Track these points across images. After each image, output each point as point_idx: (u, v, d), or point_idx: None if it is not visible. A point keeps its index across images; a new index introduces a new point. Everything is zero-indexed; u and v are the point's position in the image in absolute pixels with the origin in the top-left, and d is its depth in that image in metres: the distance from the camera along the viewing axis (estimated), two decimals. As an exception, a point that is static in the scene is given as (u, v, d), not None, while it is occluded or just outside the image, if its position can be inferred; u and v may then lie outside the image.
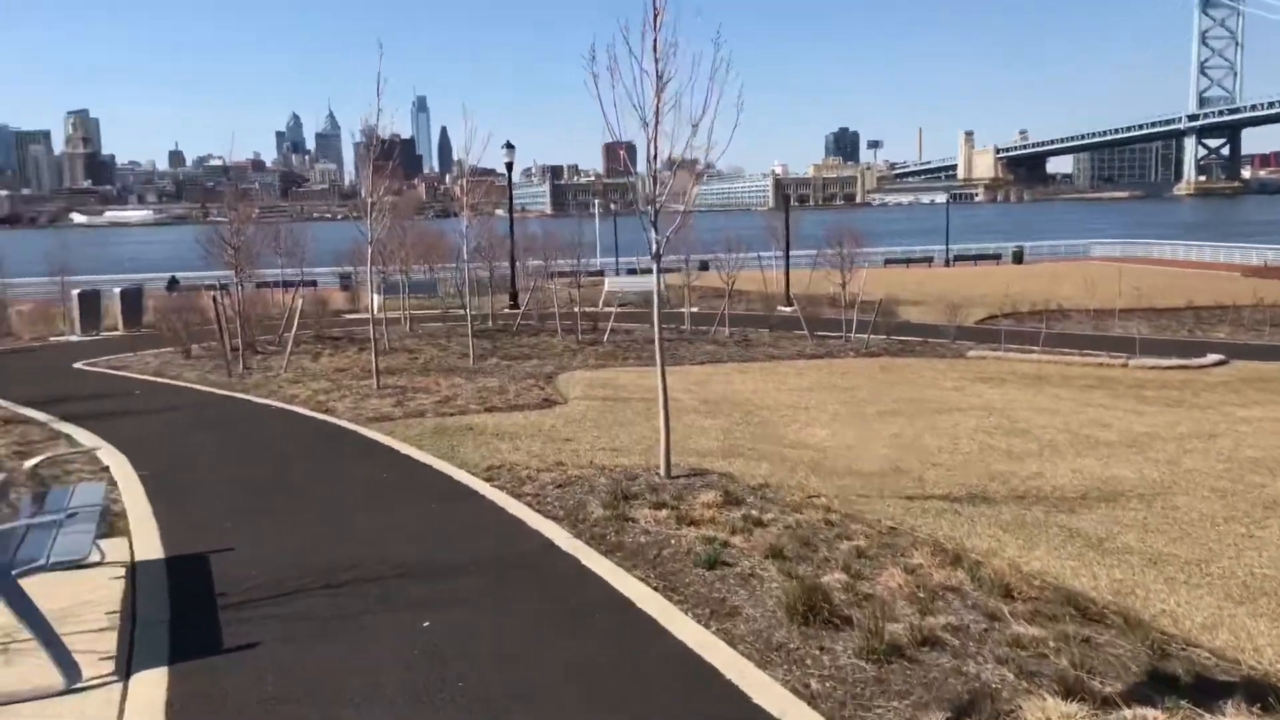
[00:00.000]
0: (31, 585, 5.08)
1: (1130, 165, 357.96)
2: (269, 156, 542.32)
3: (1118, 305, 30.97)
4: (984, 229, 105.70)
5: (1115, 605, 5.92)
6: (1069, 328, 29.31)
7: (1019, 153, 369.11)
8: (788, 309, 31.16)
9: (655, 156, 8.16)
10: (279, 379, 17.16)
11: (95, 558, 6.72)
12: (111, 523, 7.95)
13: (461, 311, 24.98)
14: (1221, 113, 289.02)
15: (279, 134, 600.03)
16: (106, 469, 10.08)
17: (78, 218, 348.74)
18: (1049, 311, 30.78)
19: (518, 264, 33.03)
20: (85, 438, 11.79)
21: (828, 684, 4.74)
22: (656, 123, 7.98)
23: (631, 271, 47.95)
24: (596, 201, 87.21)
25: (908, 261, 61.20)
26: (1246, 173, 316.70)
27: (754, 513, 7.69)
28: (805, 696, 4.62)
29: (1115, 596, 6.14)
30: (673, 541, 7.01)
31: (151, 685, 4.86)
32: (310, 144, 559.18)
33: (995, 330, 27.31)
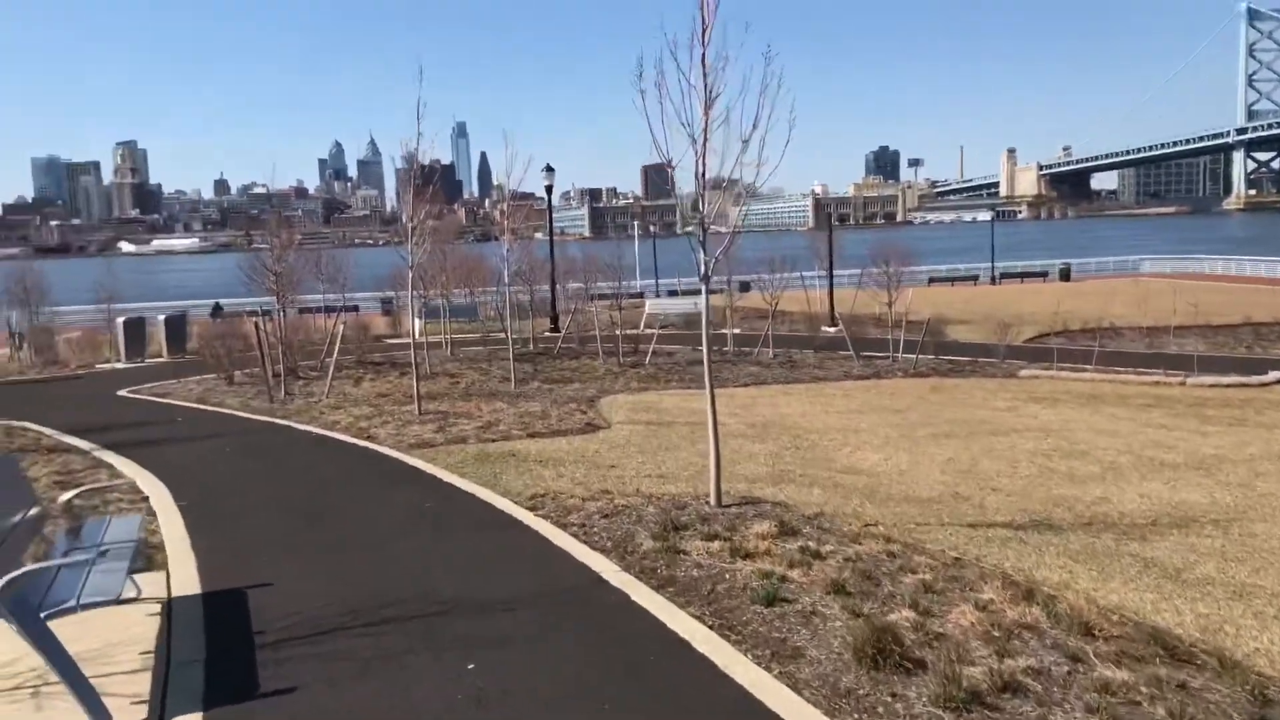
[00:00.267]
0: (66, 623, 4.88)
1: (1177, 180, 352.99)
2: (312, 184, 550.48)
3: (1172, 322, 30.22)
4: (1029, 246, 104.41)
5: (1205, 644, 5.52)
6: (1122, 346, 28.62)
7: (1062, 169, 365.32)
8: (832, 329, 30.74)
9: (704, 174, 7.88)
10: (321, 405, 17.05)
11: (131, 593, 6.51)
12: (150, 555, 7.78)
13: (502, 335, 24.85)
14: (1271, 125, 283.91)
15: (321, 161, 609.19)
16: (146, 499, 9.94)
17: (126, 246, 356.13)
18: (1101, 329, 30.05)
19: (558, 287, 32.93)
20: (126, 467, 11.68)
21: (902, 735, 4.40)
22: (705, 139, 7.72)
23: (672, 293, 47.71)
24: (636, 224, 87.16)
25: (952, 280, 60.49)
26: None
27: (811, 544, 7.33)
28: (878, 749, 4.28)
29: (1203, 634, 5.73)
30: (727, 576, 6.68)
31: (184, 733, 4.63)
32: (352, 171, 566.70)
33: (1046, 349, 26.71)
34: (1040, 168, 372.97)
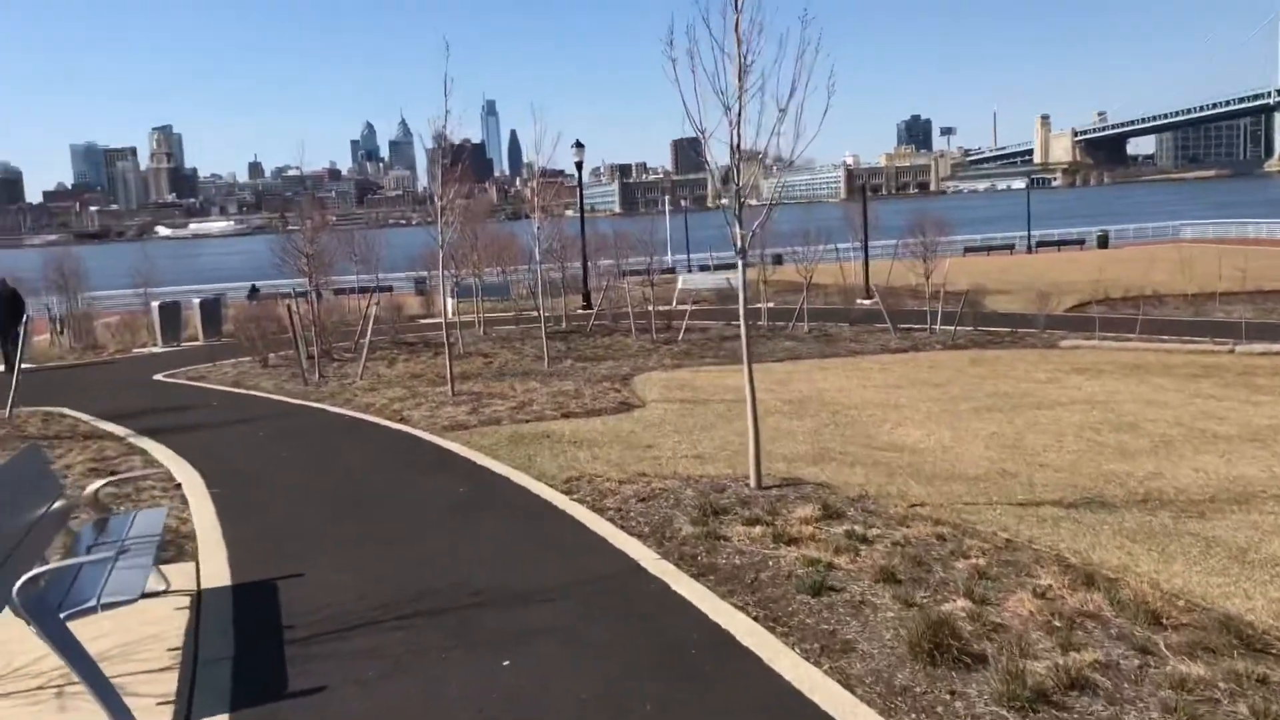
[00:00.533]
0: (93, 618, 4.72)
1: (1216, 143, 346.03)
2: (345, 165, 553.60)
3: (1218, 288, 29.48)
4: (1065, 214, 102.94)
5: (1281, 631, 5.20)
6: (1166, 313, 27.95)
7: (1098, 135, 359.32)
8: (868, 301, 30.30)
9: (738, 144, 7.57)
10: (354, 387, 16.96)
11: (160, 586, 6.40)
12: (180, 545, 7.66)
13: (534, 313, 24.68)
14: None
15: (354, 143, 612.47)
16: (179, 486, 9.85)
17: (163, 230, 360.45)
18: (1144, 297, 29.36)
19: (589, 264, 32.70)
20: (160, 453, 11.61)
21: (965, 736, 4.14)
22: (740, 108, 7.41)
23: (704, 268, 47.40)
24: (666, 199, 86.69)
25: (988, 249, 59.68)
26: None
27: (857, 528, 7.05)
28: (939, 752, 4.03)
29: (1278, 620, 5.41)
30: (770, 563, 6.42)
31: (211, 735, 4.47)
32: (384, 152, 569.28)
33: (1088, 318, 26.14)
34: (1075, 134, 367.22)
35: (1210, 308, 28.46)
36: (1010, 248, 60.45)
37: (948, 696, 4.46)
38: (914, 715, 4.33)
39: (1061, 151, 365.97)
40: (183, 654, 5.39)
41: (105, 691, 4.38)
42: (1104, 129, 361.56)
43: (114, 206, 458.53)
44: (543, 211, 23.07)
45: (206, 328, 27.89)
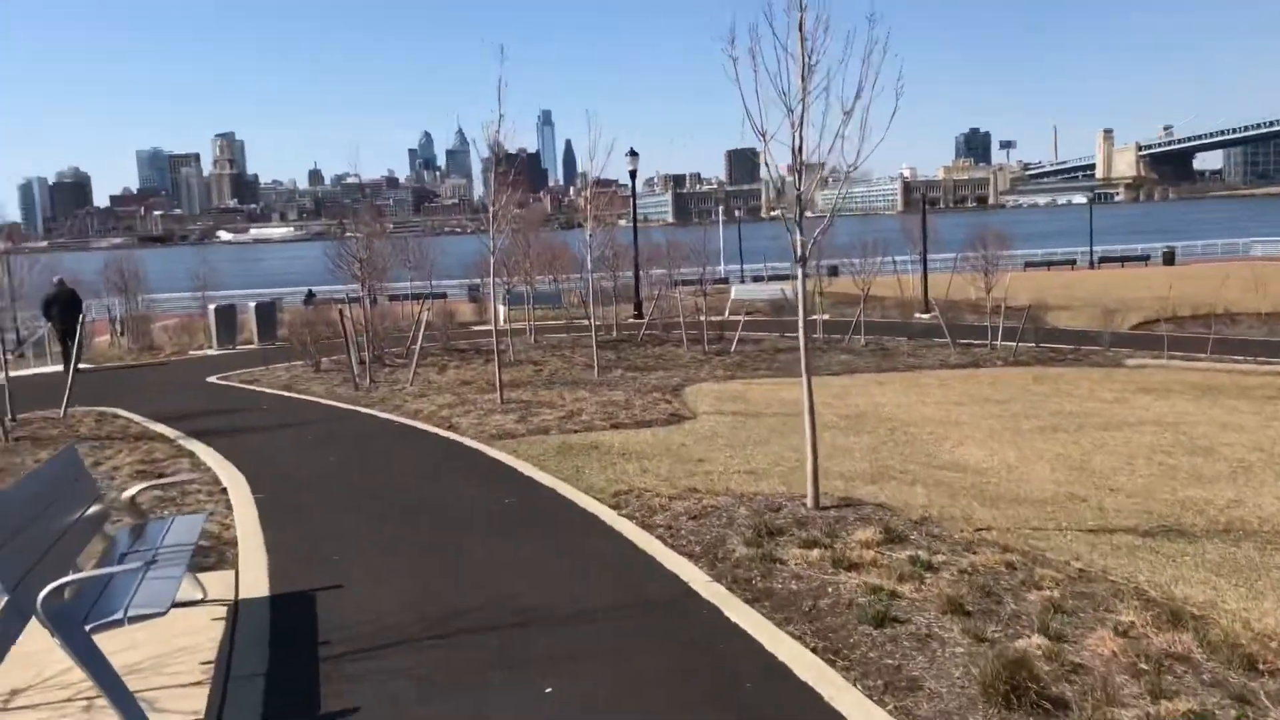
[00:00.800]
0: (126, 629, 4.52)
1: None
2: (402, 174, 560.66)
3: (1294, 308, 28.49)
4: (1128, 229, 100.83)
5: (1389, 681, 4.75)
6: (1238, 333, 27.02)
7: (1164, 149, 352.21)
8: (926, 315, 29.71)
9: (800, 148, 7.26)
10: (404, 393, 16.85)
11: (197, 594, 6.21)
12: (221, 552, 7.51)
13: (585, 322, 24.49)
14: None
15: (411, 152, 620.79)
16: (225, 490, 9.74)
17: (224, 235, 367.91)
18: (1214, 315, 28.42)
19: (641, 273, 32.48)
20: (208, 456, 11.54)
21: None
22: (803, 110, 7.10)
23: (757, 279, 46.99)
24: (720, 208, 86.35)
25: (1048, 264, 58.57)
26: None
27: (921, 554, 6.68)
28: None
29: (1386, 668, 4.96)
30: (829, 589, 6.07)
31: (238, 759, 4.25)
32: (441, 160, 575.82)
33: (1155, 336, 25.33)
34: (1140, 148, 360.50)
35: (1286, 327, 27.50)
36: (1072, 263, 59.30)
37: (1027, 746, 4.10)
38: (989, 765, 3.98)
39: (1125, 166, 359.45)
40: (215, 668, 5.18)
41: (129, 707, 4.18)
42: (1170, 143, 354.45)
43: (178, 211, 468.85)
44: (595, 220, 22.85)
45: (261, 331, 28.09)
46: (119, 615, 4.30)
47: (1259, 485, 10.00)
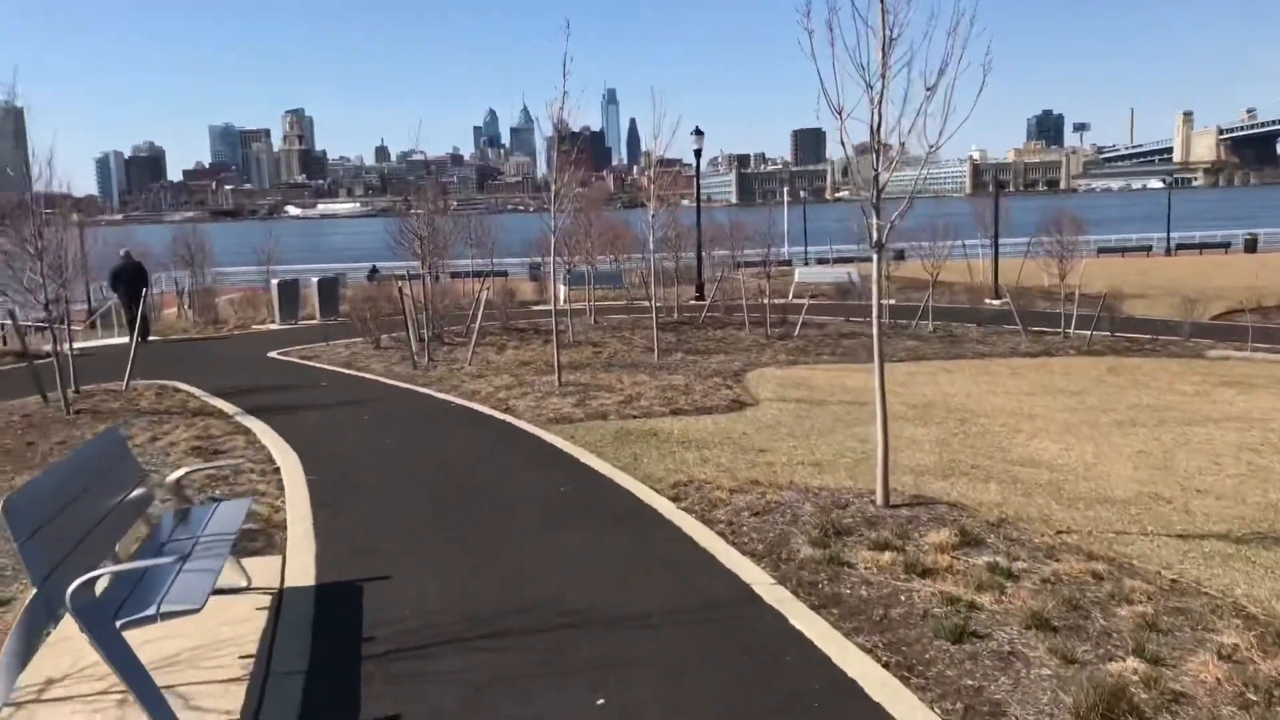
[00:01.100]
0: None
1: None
2: (467, 151, 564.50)
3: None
4: (1207, 215, 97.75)
5: None
6: (1329, 325, 25.82)
7: (1246, 133, 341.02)
8: (996, 301, 28.90)
9: (879, 127, 6.82)
10: (462, 372, 16.70)
11: (242, 582, 6.04)
12: (270, 536, 7.34)
13: (645, 303, 24.15)
14: None
15: (476, 129, 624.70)
16: (278, 470, 9.61)
17: (292, 210, 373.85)
18: (1304, 305, 27.24)
19: (703, 254, 32.04)
20: (263, 433, 11.45)
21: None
22: (883, 86, 6.66)
23: (821, 261, 46.28)
24: (785, 189, 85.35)
25: (1123, 250, 56.79)
26: None
27: (1000, 560, 6.25)
28: None
29: None
30: (902, 597, 5.68)
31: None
32: (505, 139, 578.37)
33: (1238, 327, 24.30)
34: (1220, 131, 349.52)
35: (1381, 320, 26.22)
36: (1147, 249, 57.49)
37: (1128, 789, 3.71)
38: (1086, 810, 3.59)
39: (1204, 150, 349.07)
40: (255, 663, 4.97)
41: (160, 712, 3.97)
42: (1253, 127, 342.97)
43: (248, 185, 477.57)
44: (659, 200, 22.46)
45: (324, 307, 28.21)
46: (151, 611, 4.09)
47: (1360, 490, 9.36)
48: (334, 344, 21.16)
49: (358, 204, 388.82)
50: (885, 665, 4.80)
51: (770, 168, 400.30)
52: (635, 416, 12.25)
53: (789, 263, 44.20)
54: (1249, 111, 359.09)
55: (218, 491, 8.72)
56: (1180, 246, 57.76)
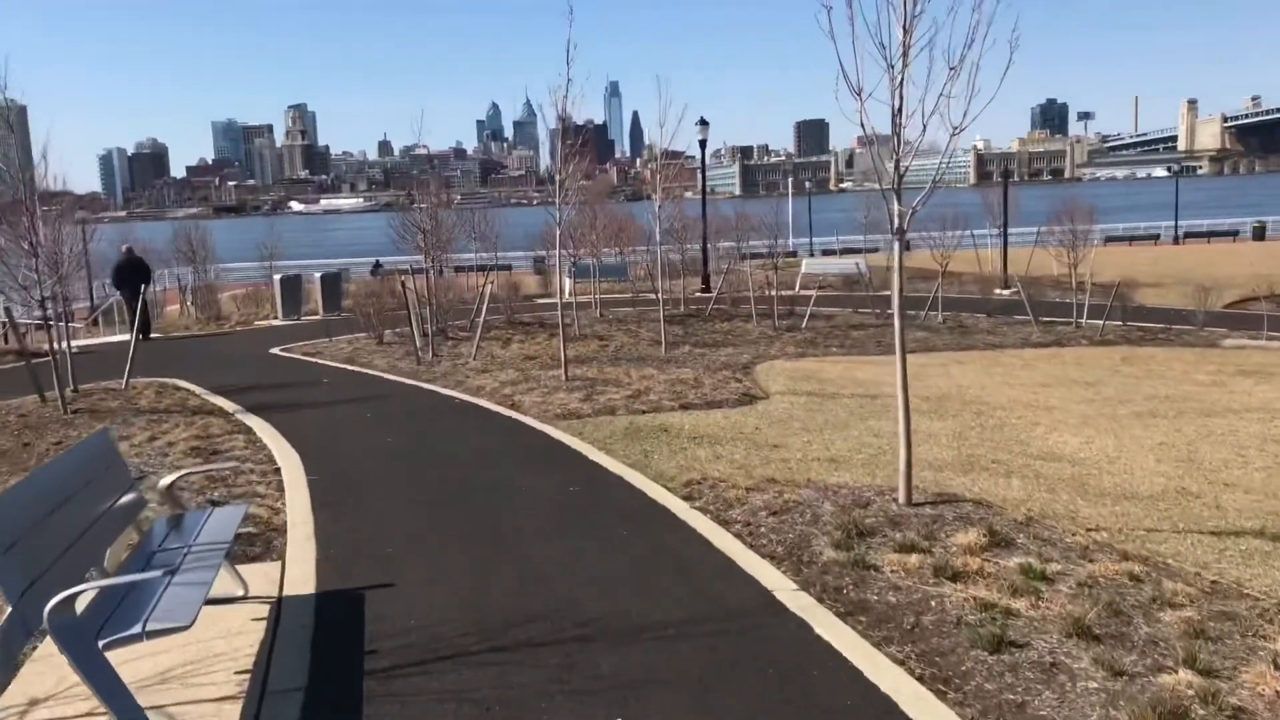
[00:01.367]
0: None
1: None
2: (470, 145, 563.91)
3: (1407, 286, 26.79)
4: (1214, 203, 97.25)
5: None
6: (1344, 313, 25.43)
7: (1251, 120, 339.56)
8: (1006, 291, 28.56)
9: (900, 110, 6.51)
10: (467, 368, 16.42)
11: (239, 591, 5.77)
12: (269, 541, 7.06)
13: (652, 295, 23.85)
14: None
15: (479, 123, 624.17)
16: (278, 470, 9.34)
17: (296, 205, 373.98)
18: (1320, 293, 26.84)
19: (709, 246, 31.72)
20: (264, 432, 11.18)
21: None
22: (905, 65, 6.35)
23: (827, 252, 45.98)
24: (790, 180, 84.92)
25: (1130, 239, 56.33)
26: None
27: (1033, 561, 5.95)
28: None
29: None
30: (933, 604, 5.39)
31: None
32: (508, 132, 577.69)
33: (1252, 315, 23.96)
34: (1225, 119, 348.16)
35: (1397, 307, 25.82)
36: (1155, 238, 57.03)
37: (1194, 819, 3.42)
38: (1149, 843, 3.31)
39: (1209, 138, 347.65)
40: (251, 680, 4.70)
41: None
42: (1258, 114, 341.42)
43: (251, 181, 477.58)
44: (664, 192, 22.16)
45: (327, 302, 27.94)
46: (137, 630, 3.81)
47: (1394, 482, 9.06)
48: (337, 340, 20.90)
49: (361, 199, 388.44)
50: (919, 678, 4.51)
51: (774, 159, 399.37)
52: (644, 411, 11.96)
53: (794, 254, 43.88)
54: (1254, 99, 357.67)
55: (216, 493, 8.46)
56: (1188, 235, 57.35)
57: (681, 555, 6.43)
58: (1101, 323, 22.14)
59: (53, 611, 3.64)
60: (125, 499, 5.28)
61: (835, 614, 5.30)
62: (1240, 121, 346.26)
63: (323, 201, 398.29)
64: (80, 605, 4.03)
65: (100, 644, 3.74)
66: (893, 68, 6.37)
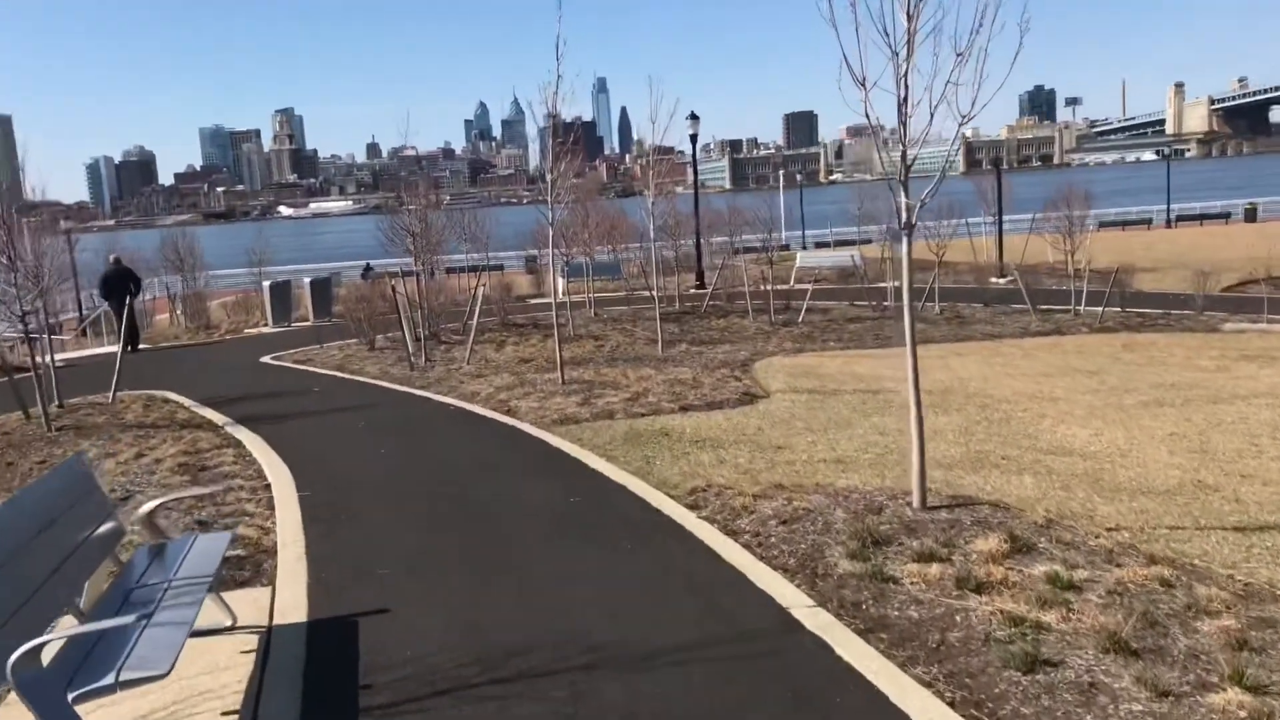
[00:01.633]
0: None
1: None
2: (459, 145, 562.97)
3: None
4: (1204, 186, 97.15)
5: None
6: (1343, 294, 25.24)
7: (1238, 103, 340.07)
8: (1002, 280, 28.35)
9: (906, 99, 6.24)
10: (460, 372, 16.12)
11: (226, 621, 5.48)
12: (259, 564, 6.77)
13: (646, 293, 23.57)
14: None
15: (467, 122, 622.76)
16: (268, 486, 9.04)
17: (285, 210, 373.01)
18: (1318, 274, 26.65)
19: (702, 241, 31.45)
20: (254, 446, 10.88)
21: None
22: (909, 53, 6.07)
23: (820, 245, 45.73)
24: (781, 173, 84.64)
25: (1123, 224, 56.13)
26: None
27: (1058, 568, 5.68)
28: None
29: None
30: (958, 618, 5.11)
31: None
32: (497, 131, 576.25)
33: (1251, 299, 23.78)
34: (1212, 102, 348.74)
35: (1396, 287, 25.64)
36: (1148, 222, 56.84)
37: None
38: None
39: (1197, 121, 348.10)
40: (238, 720, 4.42)
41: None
42: (1245, 96, 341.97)
43: (240, 187, 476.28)
44: (656, 188, 21.87)
45: (317, 308, 27.60)
46: (109, 680, 3.53)
47: None
48: (328, 346, 20.59)
49: (350, 202, 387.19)
50: (951, 703, 4.23)
51: (763, 152, 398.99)
52: (643, 415, 11.68)
53: (787, 247, 43.60)
54: (1240, 81, 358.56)
55: (204, 512, 8.16)
56: (1180, 218, 57.18)
57: (690, 570, 6.15)
58: (1100, 309, 21.91)
59: (17, 665, 3.36)
60: (103, 529, 4.99)
61: (855, 632, 5.02)
62: (1227, 104, 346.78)
63: (312, 205, 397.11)
64: (51, 653, 3.74)
65: (70, 697, 3.46)
66: (897, 55, 6.10)
